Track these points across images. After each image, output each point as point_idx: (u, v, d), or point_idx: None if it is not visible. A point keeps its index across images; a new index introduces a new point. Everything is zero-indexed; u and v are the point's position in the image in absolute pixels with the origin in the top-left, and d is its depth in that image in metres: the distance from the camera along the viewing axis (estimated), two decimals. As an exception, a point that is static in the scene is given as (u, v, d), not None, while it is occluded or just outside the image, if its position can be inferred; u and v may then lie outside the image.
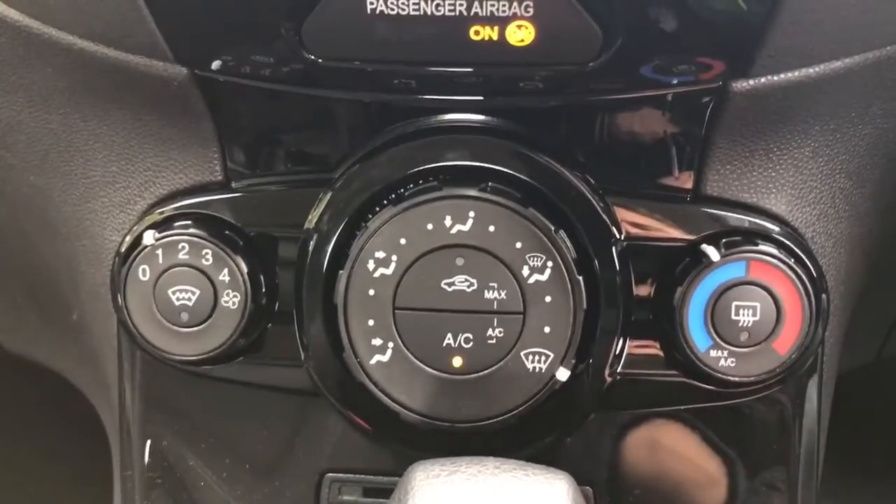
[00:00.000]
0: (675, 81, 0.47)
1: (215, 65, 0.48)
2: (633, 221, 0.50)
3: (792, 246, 0.49)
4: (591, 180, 0.50)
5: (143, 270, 0.50)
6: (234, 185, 0.52)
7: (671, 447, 0.53)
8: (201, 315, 0.50)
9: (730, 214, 0.50)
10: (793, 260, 0.48)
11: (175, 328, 0.50)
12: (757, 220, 0.50)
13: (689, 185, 0.50)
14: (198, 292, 0.50)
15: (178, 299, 0.50)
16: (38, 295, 0.68)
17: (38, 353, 0.82)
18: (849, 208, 0.53)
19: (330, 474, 0.55)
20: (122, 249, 0.51)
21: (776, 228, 0.50)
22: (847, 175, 0.52)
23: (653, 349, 0.50)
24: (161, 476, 0.56)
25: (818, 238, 0.52)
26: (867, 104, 0.50)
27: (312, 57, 0.46)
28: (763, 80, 0.47)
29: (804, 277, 0.48)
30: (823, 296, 0.49)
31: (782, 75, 0.47)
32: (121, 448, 0.57)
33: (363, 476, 0.54)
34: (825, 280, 0.50)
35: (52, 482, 1.32)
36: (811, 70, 0.47)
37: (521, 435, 0.50)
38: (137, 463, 0.56)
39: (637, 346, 0.50)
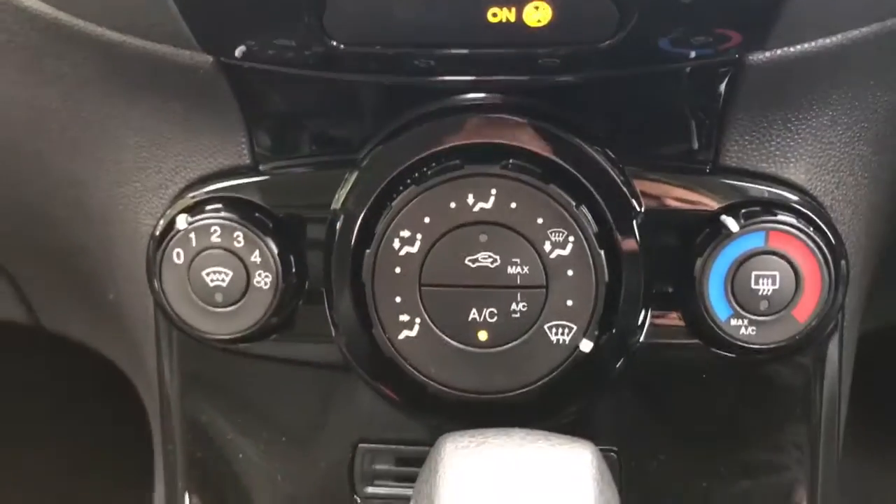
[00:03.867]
0: (692, 55, 0.48)
1: (239, 52, 0.49)
2: (652, 194, 0.51)
3: (810, 215, 0.50)
4: (611, 154, 0.50)
5: (178, 254, 0.52)
6: (261, 168, 0.53)
7: (693, 412, 0.54)
8: (235, 295, 0.52)
9: (749, 185, 0.51)
10: (811, 228, 0.49)
11: (210, 308, 0.52)
12: (776, 190, 0.51)
13: (708, 156, 0.51)
14: (231, 273, 0.51)
15: (212, 281, 0.51)
16: (74, 276, 0.70)
17: (76, 331, 0.84)
18: (868, 175, 0.53)
19: (363, 445, 0.57)
20: (157, 233, 0.53)
21: (795, 198, 0.51)
22: (866, 142, 0.52)
23: (674, 319, 0.52)
24: (201, 450, 0.58)
25: (837, 206, 0.53)
26: (886, 71, 0.51)
27: (334, 42, 0.47)
28: (780, 51, 0.48)
29: (822, 246, 0.49)
30: (842, 262, 0.50)
31: (799, 46, 0.48)
32: (161, 424, 0.60)
33: (395, 446, 0.56)
34: (844, 247, 0.51)
35: (96, 456, 1.36)
36: (828, 40, 0.48)
37: (547, 405, 0.51)
38: (178, 438, 0.59)
39: (658, 317, 0.52)
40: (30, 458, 1.43)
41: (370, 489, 0.56)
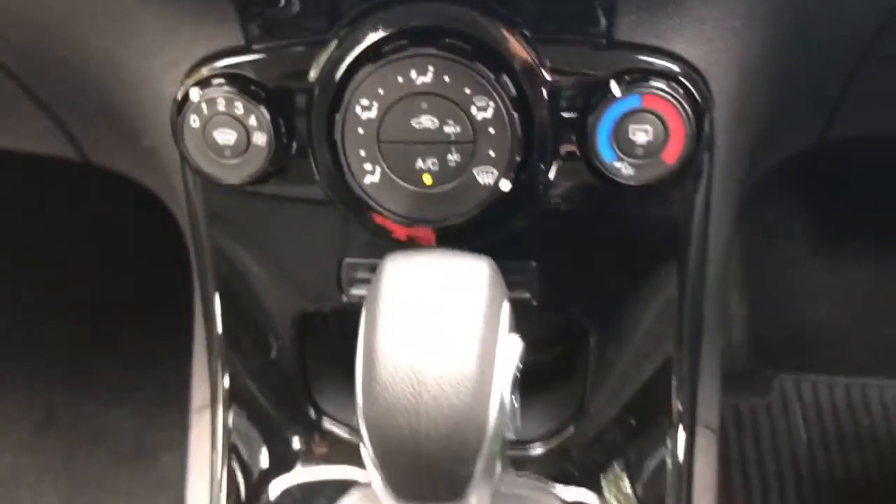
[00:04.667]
0: None
1: None
2: (558, 66, 0.64)
3: (681, 79, 0.63)
4: (526, 34, 0.64)
5: (194, 119, 0.67)
6: (254, 48, 0.67)
7: (592, 234, 0.70)
8: (239, 151, 0.67)
9: (634, 56, 0.64)
10: (680, 91, 0.63)
11: (221, 161, 0.68)
12: (656, 60, 0.64)
13: (603, 33, 0.64)
14: (235, 134, 0.66)
15: (221, 140, 0.67)
16: (113, 121, 0.85)
17: (118, 165, 1.00)
18: (739, 42, 0.66)
19: (347, 259, 0.74)
20: (177, 100, 0.68)
21: (671, 66, 0.64)
22: (737, 17, 0.65)
23: (575, 164, 0.66)
24: (225, 265, 0.76)
25: (711, 69, 0.66)
26: None
27: None
28: None
29: (686, 105, 0.63)
30: (705, 117, 0.64)
31: None
32: (194, 246, 0.77)
33: (368, 260, 0.73)
34: (709, 104, 0.65)
35: (135, 270, 1.56)
36: None
37: (476, 230, 0.67)
38: (206, 255, 0.76)
39: (564, 162, 0.67)
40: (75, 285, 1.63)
41: (353, 291, 0.75)
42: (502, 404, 0.53)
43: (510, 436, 0.56)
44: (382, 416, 0.52)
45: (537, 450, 0.76)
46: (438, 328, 0.53)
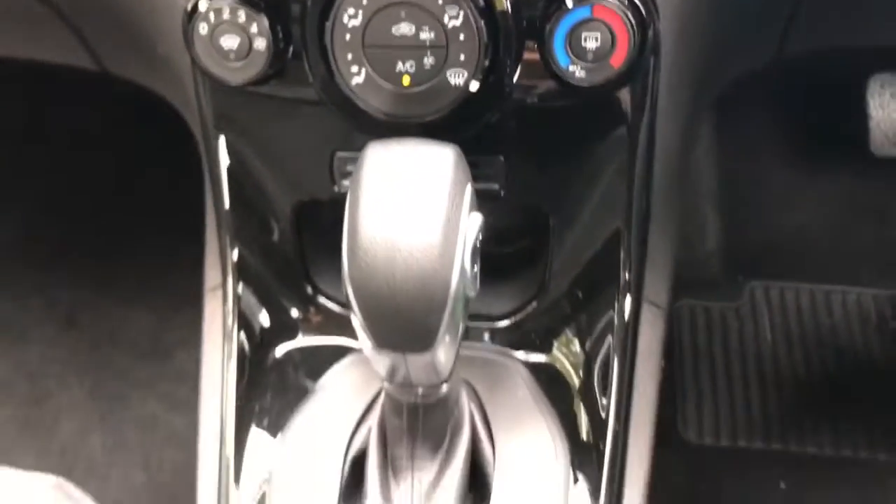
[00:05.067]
0: None
1: None
2: None
3: None
4: None
5: (202, 27, 0.76)
6: None
7: (551, 130, 0.80)
8: (242, 55, 0.75)
9: None
10: (626, 3, 0.72)
11: (227, 64, 0.76)
12: None
13: None
14: (238, 40, 0.75)
15: (226, 45, 0.76)
16: (129, 32, 0.94)
17: (133, 74, 1.09)
18: None
19: (338, 153, 0.84)
20: (187, 10, 0.77)
21: None
22: None
23: (536, 68, 0.75)
24: (231, 160, 0.86)
25: None
26: None
27: None
28: None
29: (631, 16, 0.71)
30: (650, 29, 0.73)
31: None
32: (204, 144, 0.87)
33: (357, 153, 0.82)
34: (654, 16, 0.73)
35: (153, 178, 1.66)
36: None
37: (450, 125, 0.76)
38: (217, 154, 0.86)
39: (525, 66, 0.76)
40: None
41: (344, 182, 0.85)
42: (463, 268, 0.63)
43: (471, 294, 0.66)
44: (364, 279, 0.62)
45: (503, 323, 0.87)
46: (410, 204, 0.62)
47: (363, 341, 0.66)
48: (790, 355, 1.50)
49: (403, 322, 0.63)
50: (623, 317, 0.83)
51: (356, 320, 0.64)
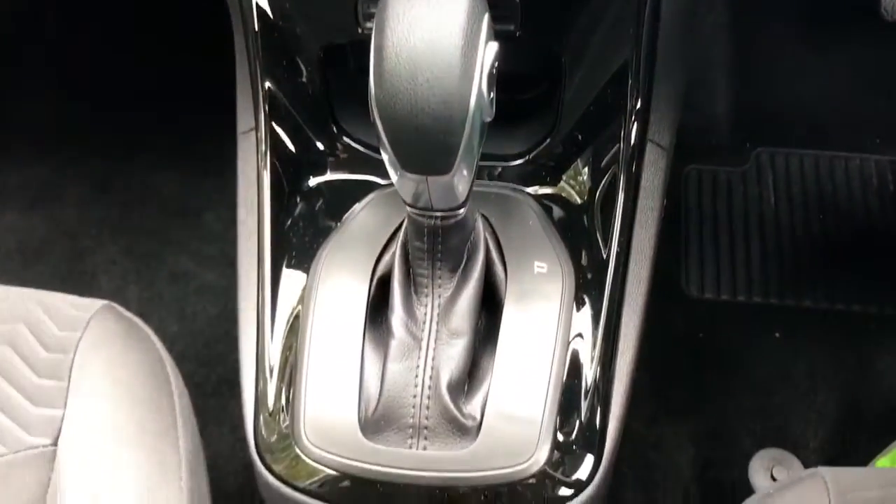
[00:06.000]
0: None
1: None
2: None
3: None
4: None
5: None
6: None
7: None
8: None
9: None
10: None
11: None
12: None
13: None
14: None
15: None
16: None
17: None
18: None
19: None
20: None
21: None
22: None
23: None
24: (263, 9, 0.90)
25: None
26: None
27: None
28: None
29: None
30: None
31: None
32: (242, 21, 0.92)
33: None
34: None
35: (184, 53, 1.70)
36: None
37: None
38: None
39: None
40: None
41: (367, 24, 0.88)
42: (480, 91, 0.69)
43: (487, 119, 0.72)
44: (388, 99, 0.67)
45: (516, 162, 0.94)
46: (431, 29, 0.68)
47: (390, 166, 0.72)
48: (791, 217, 1.56)
49: (425, 142, 0.69)
50: (629, 146, 0.89)
51: (383, 143, 0.70)
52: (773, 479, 1.30)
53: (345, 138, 0.95)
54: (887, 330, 1.43)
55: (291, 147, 0.95)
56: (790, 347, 1.44)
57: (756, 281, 1.50)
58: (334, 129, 0.95)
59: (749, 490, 1.31)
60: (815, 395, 1.40)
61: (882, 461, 1.19)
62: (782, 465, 1.32)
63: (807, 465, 1.33)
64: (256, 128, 0.96)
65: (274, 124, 0.94)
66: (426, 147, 0.69)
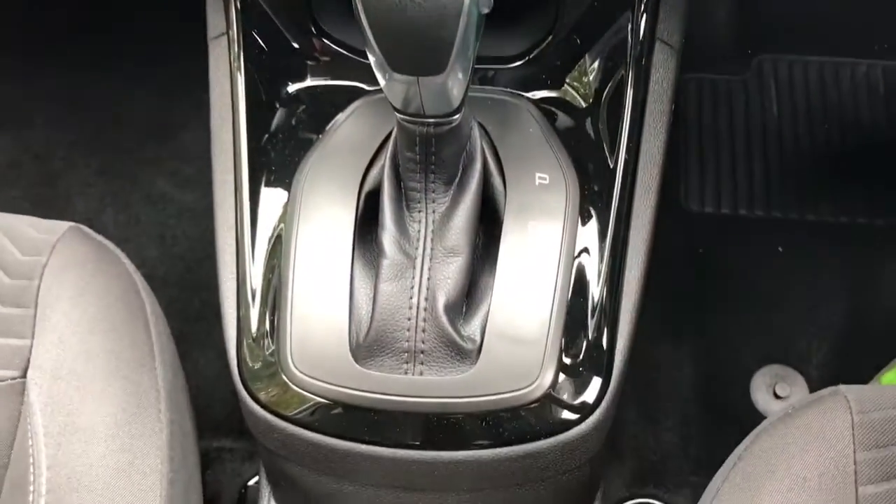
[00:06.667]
0: None
1: None
2: None
3: None
4: None
5: None
6: None
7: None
8: None
9: None
10: None
11: None
12: None
13: None
14: None
15: None
16: None
17: None
18: None
19: None
20: None
21: None
22: None
23: None
24: None
25: None
26: None
27: None
28: None
29: None
30: None
31: None
32: None
33: None
34: None
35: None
36: None
37: None
38: None
39: None
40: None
41: None
42: None
43: (484, 10, 0.65)
44: None
45: (515, 64, 0.87)
46: None
47: (377, 67, 0.66)
48: (795, 127, 1.50)
49: (415, 37, 0.62)
50: (637, 45, 0.83)
51: (368, 42, 0.64)
52: (777, 396, 1.27)
53: (325, 39, 0.87)
54: (893, 243, 1.39)
55: (267, 51, 0.87)
56: (792, 262, 1.39)
57: (758, 194, 1.45)
58: (313, 28, 0.87)
59: (751, 408, 1.28)
60: (817, 310, 1.36)
61: (888, 376, 1.16)
62: (785, 381, 1.29)
63: (809, 382, 1.30)
64: (228, 30, 0.88)
65: (246, 26, 0.86)
66: (416, 43, 0.63)
